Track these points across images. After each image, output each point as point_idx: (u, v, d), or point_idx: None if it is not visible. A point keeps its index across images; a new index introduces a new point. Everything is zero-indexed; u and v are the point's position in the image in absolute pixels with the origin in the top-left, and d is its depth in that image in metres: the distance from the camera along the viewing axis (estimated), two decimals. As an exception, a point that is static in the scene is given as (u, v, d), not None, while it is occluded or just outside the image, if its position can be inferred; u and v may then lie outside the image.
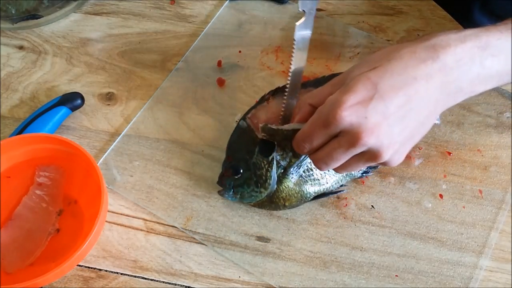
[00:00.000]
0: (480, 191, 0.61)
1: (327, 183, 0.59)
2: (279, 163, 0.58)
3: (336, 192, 0.60)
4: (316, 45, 0.72)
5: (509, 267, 0.57)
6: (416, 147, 0.64)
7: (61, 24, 0.77)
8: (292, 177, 0.58)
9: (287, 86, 0.57)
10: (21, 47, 0.75)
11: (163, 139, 0.66)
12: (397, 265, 0.57)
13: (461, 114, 0.66)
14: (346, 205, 0.61)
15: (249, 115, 0.61)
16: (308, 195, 0.59)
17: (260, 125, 0.56)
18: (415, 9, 0.75)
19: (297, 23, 0.52)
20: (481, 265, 0.57)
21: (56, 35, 0.76)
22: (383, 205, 0.61)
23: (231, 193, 0.58)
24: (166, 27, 0.75)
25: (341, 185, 0.60)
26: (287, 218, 0.60)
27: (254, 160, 0.58)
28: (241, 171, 0.58)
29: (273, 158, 0.57)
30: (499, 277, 0.57)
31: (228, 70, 0.71)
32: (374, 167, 0.61)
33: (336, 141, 0.48)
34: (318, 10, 0.75)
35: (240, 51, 0.72)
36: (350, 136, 0.46)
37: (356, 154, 0.48)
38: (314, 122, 0.49)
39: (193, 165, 0.64)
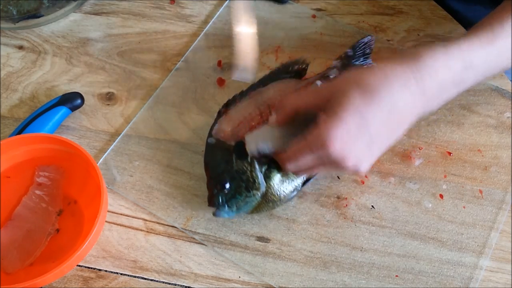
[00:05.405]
0: (481, 191, 0.61)
1: None
2: (261, 160, 0.57)
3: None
4: (316, 45, 0.72)
5: (509, 267, 0.57)
6: (417, 147, 0.64)
7: (61, 24, 0.76)
8: (277, 170, 0.58)
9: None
10: (20, 47, 0.75)
11: (163, 139, 0.66)
12: (397, 265, 0.57)
13: (461, 114, 0.66)
14: (346, 205, 0.61)
15: (213, 132, 0.61)
16: (298, 182, 0.59)
17: (251, 153, 0.56)
18: (415, 9, 0.75)
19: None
20: (481, 265, 0.57)
21: (56, 35, 0.76)
22: (383, 205, 0.61)
23: (226, 208, 0.57)
24: (166, 27, 0.75)
25: None
26: (287, 218, 0.60)
27: (235, 167, 0.57)
28: (228, 183, 0.57)
29: (252, 158, 0.57)
30: (499, 277, 0.57)
31: (228, 70, 0.71)
32: None
33: (322, 164, 0.52)
34: (318, 10, 0.75)
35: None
36: (336, 163, 0.50)
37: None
38: (302, 150, 0.51)
39: (193, 165, 0.64)
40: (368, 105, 0.49)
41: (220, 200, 0.57)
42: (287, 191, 0.58)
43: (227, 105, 0.63)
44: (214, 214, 0.57)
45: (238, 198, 0.57)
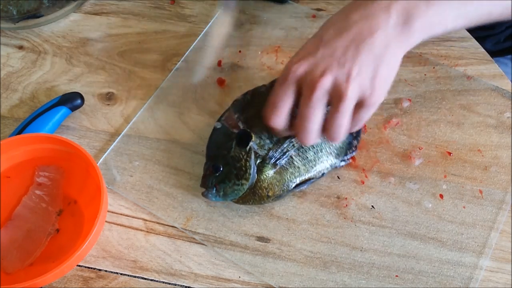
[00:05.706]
0: (481, 191, 0.61)
1: (308, 170, 0.60)
2: (257, 153, 0.58)
3: (318, 178, 0.60)
4: (316, 45, 0.72)
5: (509, 267, 0.57)
6: (417, 147, 0.64)
7: (61, 24, 0.77)
8: (271, 166, 0.58)
9: None
10: (20, 47, 0.75)
11: (163, 139, 0.66)
12: (397, 265, 0.57)
13: (461, 114, 0.66)
14: (346, 205, 0.61)
15: (223, 118, 0.62)
16: (290, 183, 0.59)
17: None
18: (415, 9, 0.75)
19: None
20: (481, 265, 0.57)
21: (56, 35, 0.76)
22: (383, 205, 0.61)
23: (213, 191, 0.58)
24: (166, 27, 0.75)
25: (322, 174, 0.61)
26: (287, 218, 0.60)
27: (232, 153, 0.58)
28: (221, 167, 0.58)
29: (250, 148, 0.58)
30: (499, 277, 0.57)
31: (228, 70, 0.71)
32: (353, 150, 0.62)
33: (302, 99, 0.51)
34: (318, 10, 0.75)
35: (240, 51, 0.72)
36: (308, 85, 0.50)
37: (329, 108, 0.51)
38: (275, 90, 0.53)
39: (193, 165, 0.64)
40: (324, 29, 0.52)
41: (210, 182, 0.58)
42: (276, 189, 0.58)
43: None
44: (202, 194, 0.58)
45: (226, 183, 0.58)
